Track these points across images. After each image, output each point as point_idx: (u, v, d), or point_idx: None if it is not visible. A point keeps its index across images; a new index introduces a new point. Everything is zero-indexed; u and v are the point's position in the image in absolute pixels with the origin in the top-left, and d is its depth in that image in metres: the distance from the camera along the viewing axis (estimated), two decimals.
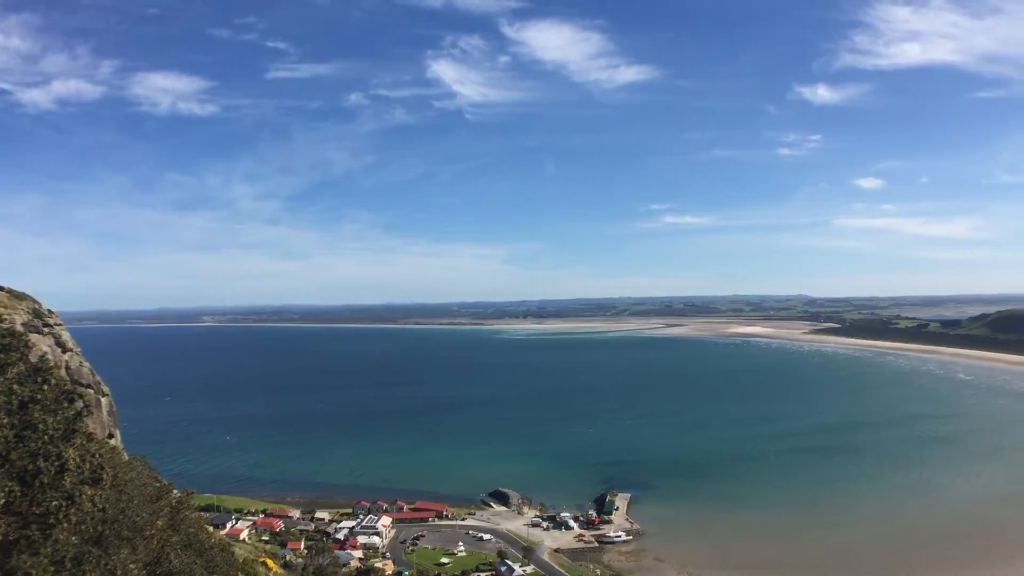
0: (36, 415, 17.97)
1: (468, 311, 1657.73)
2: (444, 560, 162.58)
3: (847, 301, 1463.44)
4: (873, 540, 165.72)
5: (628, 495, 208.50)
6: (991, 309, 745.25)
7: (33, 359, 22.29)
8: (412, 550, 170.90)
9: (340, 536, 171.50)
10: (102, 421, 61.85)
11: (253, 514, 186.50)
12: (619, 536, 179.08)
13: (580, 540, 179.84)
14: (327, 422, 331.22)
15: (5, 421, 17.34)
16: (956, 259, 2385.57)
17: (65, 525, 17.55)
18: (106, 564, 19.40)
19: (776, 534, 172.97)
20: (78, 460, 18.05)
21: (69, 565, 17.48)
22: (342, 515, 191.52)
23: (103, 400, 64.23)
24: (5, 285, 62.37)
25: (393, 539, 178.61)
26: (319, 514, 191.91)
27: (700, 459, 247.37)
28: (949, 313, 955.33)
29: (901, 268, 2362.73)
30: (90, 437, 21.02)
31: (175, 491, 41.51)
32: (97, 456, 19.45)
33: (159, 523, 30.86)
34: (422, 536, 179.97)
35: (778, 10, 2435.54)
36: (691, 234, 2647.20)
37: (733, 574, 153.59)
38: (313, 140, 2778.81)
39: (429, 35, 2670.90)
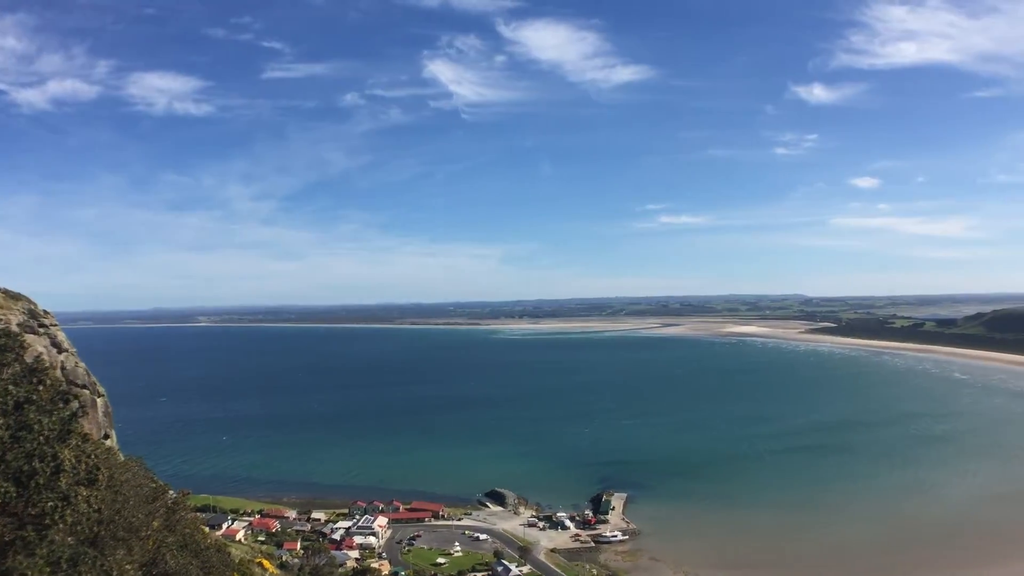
0: (32, 416, 17.94)
1: (464, 311, 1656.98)
2: (440, 560, 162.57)
3: (843, 300, 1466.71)
4: (869, 539, 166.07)
5: (624, 495, 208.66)
6: (987, 308, 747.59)
7: (28, 360, 22.25)
8: (408, 550, 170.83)
9: (336, 536, 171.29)
10: (98, 422, 61.74)
11: (249, 515, 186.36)
12: (615, 536, 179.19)
13: (576, 540, 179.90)
14: (323, 422, 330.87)
15: (0, 422, 17.31)
16: (952, 258, 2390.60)
17: (61, 526, 17.53)
18: (102, 565, 19.38)
19: (772, 533, 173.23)
20: (74, 461, 18.03)
21: (65, 566, 17.46)
22: (338, 515, 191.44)
23: (99, 401, 64.13)
24: (0, 285, 62.24)
25: (389, 539, 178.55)
26: (315, 514, 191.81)
27: (696, 459, 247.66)
28: (945, 312, 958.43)
29: (897, 267, 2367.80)
30: (86, 438, 20.98)
31: (171, 492, 41.47)
32: (93, 457, 19.42)
33: (155, 524, 30.84)
34: (418, 536, 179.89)
35: (774, 10, 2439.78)
36: (687, 234, 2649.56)
37: (729, 573, 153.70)
38: (309, 140, 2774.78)
39: (425, 35, 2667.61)
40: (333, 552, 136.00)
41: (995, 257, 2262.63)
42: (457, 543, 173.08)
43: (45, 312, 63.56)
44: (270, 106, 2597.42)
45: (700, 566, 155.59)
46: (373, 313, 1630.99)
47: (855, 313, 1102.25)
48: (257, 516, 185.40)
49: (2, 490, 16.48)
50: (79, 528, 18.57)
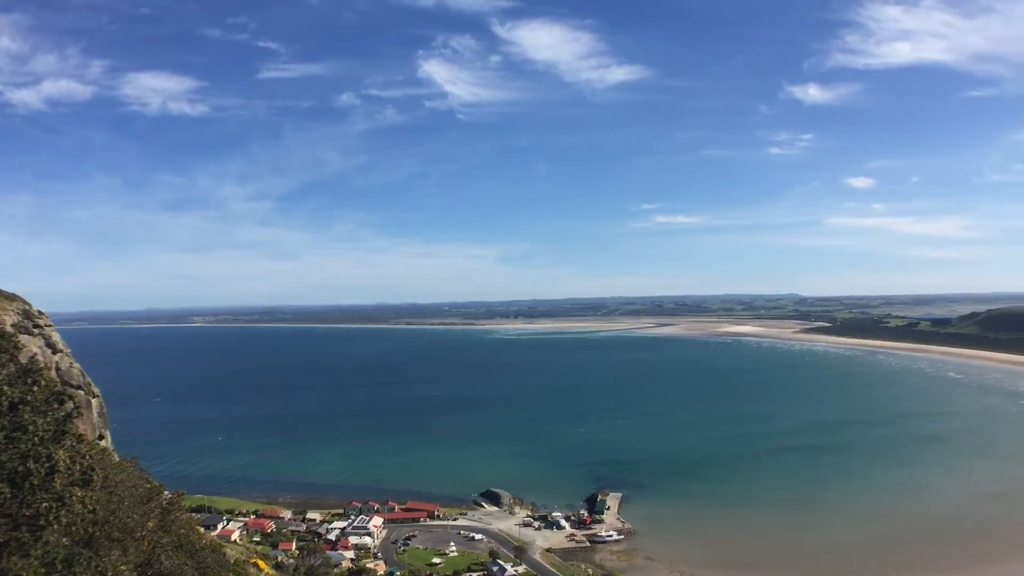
0: (26, 416, 17.90)
1: (459, 311, 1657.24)
2: (436, 560, 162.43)
3: (838, 300, 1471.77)
4: (864, 538, 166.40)
5: (619, 494, 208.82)
6: (981, 308, 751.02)
7: (23, 360, 22.20)
8: (404, 550, 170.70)
9: (331, 537, 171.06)
10: (92, 422, 61.61)
11: (244, 515, 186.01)
12: (610, 535, 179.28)
13: (571, 540, 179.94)
14: (318, 422, 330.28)
15: None
16: (947, 258, 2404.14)
17: (55, 527, 17.50)
18: (97, 566, 19.34)
19: (767, 533, 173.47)
20: (68, 461, 17.99)
21: (60, 567, 17.43)
22: (333, 516, 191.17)
23: (93, 401, 63.99)
24: None
25: (385, 539, 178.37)
26: (310, 515, 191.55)
27: (691, 458, 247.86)
28: (939, 312, 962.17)
29: (892, 267, 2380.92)
30: (80, 438, 20.94)
31: (166, 492, 41.39)
32: (87, 457, 19.39)
33: (150, 524, 30.79)
34: (414, 536, 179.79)
35: (769, 10, 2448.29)
36: (682, 233, 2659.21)
37: (724, 573, 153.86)
38: (304, 140, 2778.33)
39: (420, 35, 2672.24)
40: (328, 552, 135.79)
41: (990, 257, 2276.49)
42: (453, 543, 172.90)
43: (40, 312, 63.44)
44: (265, 106, 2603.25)
45: (695, 566, 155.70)
46: (368, 313, 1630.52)
47: (850, 313, 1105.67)
48: (252, 516, 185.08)
49: None
50: (74, 529, 18.54)
